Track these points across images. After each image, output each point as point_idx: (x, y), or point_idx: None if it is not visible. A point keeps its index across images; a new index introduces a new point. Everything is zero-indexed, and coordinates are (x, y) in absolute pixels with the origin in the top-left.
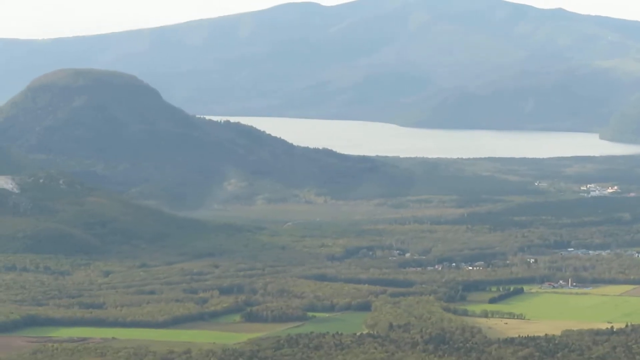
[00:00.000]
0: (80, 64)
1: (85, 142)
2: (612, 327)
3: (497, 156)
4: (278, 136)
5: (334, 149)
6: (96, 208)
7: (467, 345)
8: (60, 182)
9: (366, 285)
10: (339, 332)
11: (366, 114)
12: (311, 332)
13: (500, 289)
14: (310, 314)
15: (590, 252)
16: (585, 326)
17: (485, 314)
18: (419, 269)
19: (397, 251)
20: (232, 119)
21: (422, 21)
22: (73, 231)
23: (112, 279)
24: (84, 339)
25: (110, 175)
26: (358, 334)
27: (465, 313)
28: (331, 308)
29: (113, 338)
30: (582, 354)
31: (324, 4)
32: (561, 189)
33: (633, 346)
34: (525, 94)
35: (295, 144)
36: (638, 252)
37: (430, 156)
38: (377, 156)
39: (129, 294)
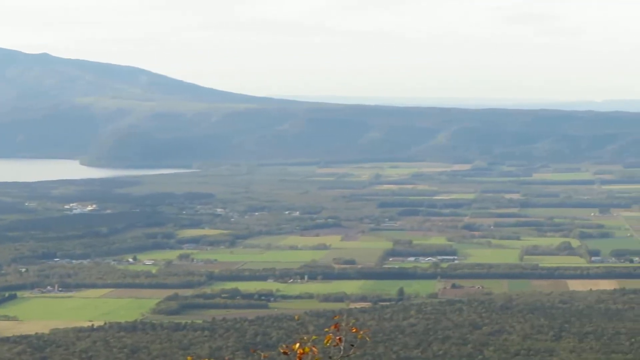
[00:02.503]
0: None
1: None
2: (92, 324)
3: None
4: None
5: None
6: None
7: None
8: None
9: None
10: None
11: None
12: None
13: None
14: None
15: (73, 261)
16: (70, 325)
17: None
18: None
19: None
20: None
21: None
22: None
23: None
24: None
25: None
26: None
27: None
28: None
29: None
30: (68, 348)
31: None
32: (48, 208)
33: (110, 340)
34: (17, 127)
35: None
36: (114, 260)
37: None
38: None
39: None
